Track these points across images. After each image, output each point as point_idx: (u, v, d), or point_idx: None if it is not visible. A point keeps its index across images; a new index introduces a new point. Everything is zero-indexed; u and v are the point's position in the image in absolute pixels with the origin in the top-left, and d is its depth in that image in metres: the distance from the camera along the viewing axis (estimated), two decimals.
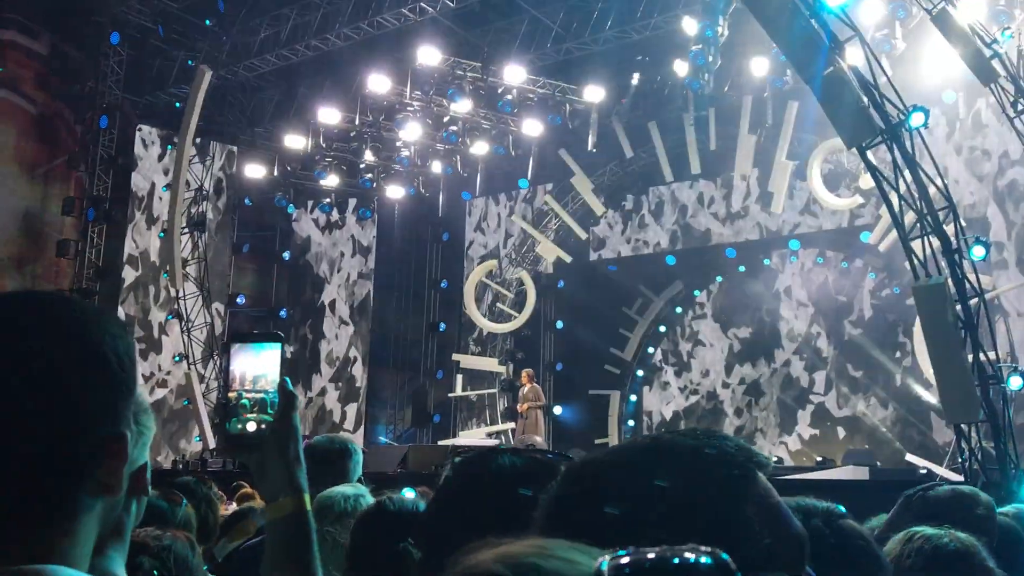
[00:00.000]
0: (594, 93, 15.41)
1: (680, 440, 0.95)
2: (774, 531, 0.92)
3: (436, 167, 17.82)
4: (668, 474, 0.90)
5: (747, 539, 0.89)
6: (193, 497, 3.34)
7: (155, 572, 1.92)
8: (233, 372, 1.61)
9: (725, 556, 0.64)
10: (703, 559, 0.65)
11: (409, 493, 3.44)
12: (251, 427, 1.56)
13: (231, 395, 1.59)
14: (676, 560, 0.64)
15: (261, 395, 1.58)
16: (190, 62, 15.43)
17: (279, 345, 1.63)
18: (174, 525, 2.71)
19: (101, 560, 1.47)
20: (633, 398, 18.14)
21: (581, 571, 0.67)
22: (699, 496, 0.89)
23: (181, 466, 14.41)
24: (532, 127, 16.16)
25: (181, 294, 16.10)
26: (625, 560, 0.65)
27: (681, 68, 13.86)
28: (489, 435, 17.04)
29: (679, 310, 17.93)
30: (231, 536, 3.34)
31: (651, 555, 0.65)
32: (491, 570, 0.68)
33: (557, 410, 17.26)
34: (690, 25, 12.96)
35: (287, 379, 1.59)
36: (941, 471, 10.69)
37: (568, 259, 17.88)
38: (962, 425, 8.28)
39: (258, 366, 1.61)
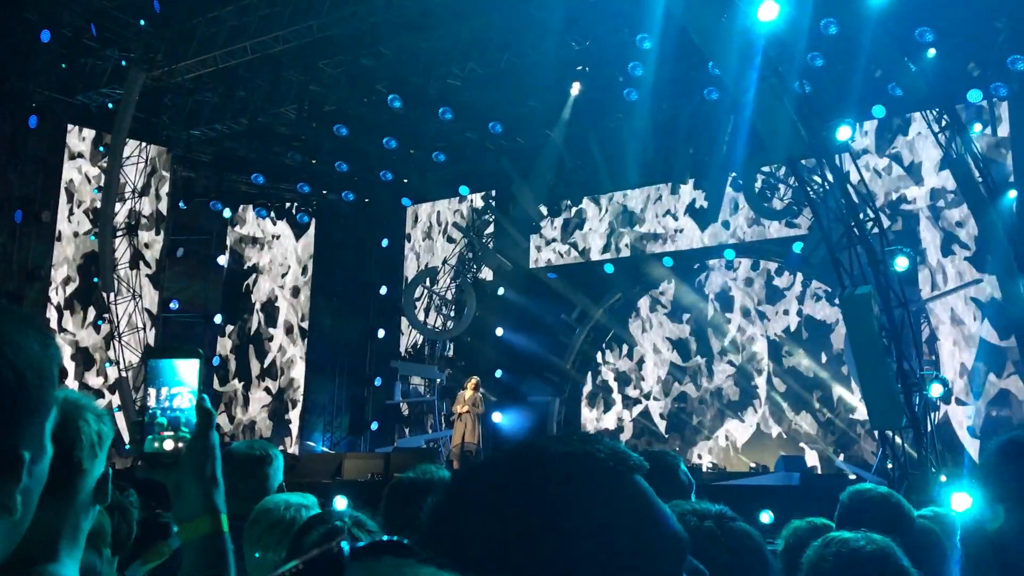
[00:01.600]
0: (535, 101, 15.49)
1: (551, 446, 0.96)
2: (649, 533, 0.93)
3: (376, 172, 17.73)
4: (536, 480, 0.91)
5: (616, 542, 0.90)
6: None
7: None
8: (150, 389, 1.59)
9: (344, 544, 0.65)
10: (318, 553, 0.65)
11: (341, 501, 3.39)
12: (168, 446, 1.54)
13: (147, 413, 1.57)
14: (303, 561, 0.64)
15: (177, 413, 1.56)
16: (123, 62, 15.10)
17: (197, 360, 1.60)
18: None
19: (56, 567, 1.45)
20: (572, 405, 18.22)
21: None
22: (566, 501, 0.89)
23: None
24: (473, 134, 16.18)
25: (112, 299, 15.75)
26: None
27: (621, 78, 14.04)
28: (427, 443, 16.96)
29: (617, 318, 18.07)
30: (145, 558, 3.26)
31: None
32: None
33: (497, 417, 17.26)
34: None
35: (205, 397, 1.58)
36: (870, 477, 10.96)
37: (508, 266, 17.92)
38: (887, 431, 8.50)
39: (175, 382, 1.58)
